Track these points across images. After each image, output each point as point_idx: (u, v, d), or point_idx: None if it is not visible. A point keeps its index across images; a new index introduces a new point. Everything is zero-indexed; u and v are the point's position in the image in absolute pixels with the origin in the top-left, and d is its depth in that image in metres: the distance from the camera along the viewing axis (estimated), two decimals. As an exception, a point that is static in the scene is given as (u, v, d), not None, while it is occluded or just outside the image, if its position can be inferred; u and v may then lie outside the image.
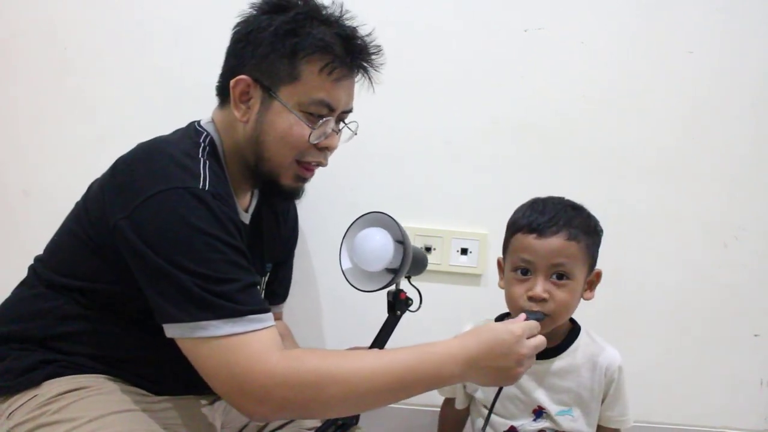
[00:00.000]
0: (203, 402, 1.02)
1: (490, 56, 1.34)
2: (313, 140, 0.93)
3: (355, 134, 1.05)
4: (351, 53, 0.94)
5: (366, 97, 1.35)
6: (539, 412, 1.07)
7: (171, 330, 0.80)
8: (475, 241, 1.37)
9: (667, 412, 1.41)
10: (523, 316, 0.95)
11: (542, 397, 1.07)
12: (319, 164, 1.00)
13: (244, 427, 1.07)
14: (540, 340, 0.89)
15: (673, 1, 1.33)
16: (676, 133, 1.36)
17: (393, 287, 1.08)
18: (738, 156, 1.36)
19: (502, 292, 1.11)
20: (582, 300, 1.05)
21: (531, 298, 1.00)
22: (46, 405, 0.84)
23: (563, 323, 1.07)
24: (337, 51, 0.92)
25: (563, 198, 1.08)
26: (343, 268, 1.07)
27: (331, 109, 0.94)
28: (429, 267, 1.36)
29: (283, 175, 0.96)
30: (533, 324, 0.91)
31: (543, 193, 1.34)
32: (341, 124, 1.00)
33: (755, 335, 1.40)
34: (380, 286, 1.05)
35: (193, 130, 0.96)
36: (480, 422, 1.12)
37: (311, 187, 1.29)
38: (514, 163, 1.37)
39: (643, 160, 1.36)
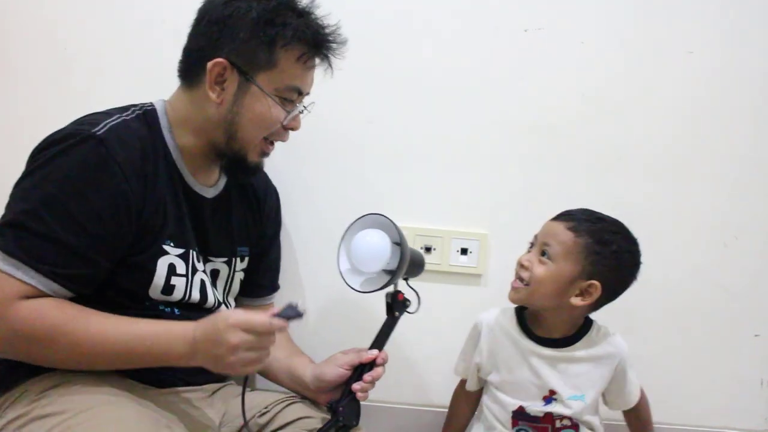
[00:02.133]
0: (200, 395, 1.02)
1: (490, 56, 1.34)
2: (285, 122, 1.00)
3: (309, 112, 1.08)
4: (320, 44, 1.00)
5: (366, 98, 1.35)
6: (549, 399, 1.12)
7: None
8: (475, 241, 1.37)
9: (667, 412, 1.40)
10: (274, 311, 0.86)
11: (556, 382, 1.11)
12: (282, 141, 1.06)
13: (243, 426, 1.06)
14: (252, 338, 0.83)
15: (673, 1, 1.33)
16: (676, 133, 1.36)
17: (391, 288, 1.08)
18: (738, 156, 1.36)
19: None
20: (573, 302, 1.09)
21: (518, 262, 1.13)
22: (37, 400, 0.84)
23: (576, 319, 1.14)
24: (310, 41, 0.98)
25: (612, 218, 1.14)
26: (341, 269, 1.07)
27: (300, 94, 1.02)
28: (429, 267, 1.36)
29: (250, 152, 1.01)
30: (261, 320, 0.84)
31: (542, 193, 1.36)
32: (302, 106, 1.06)
33: (755, 335, 1.40)
34: (378, 287, 1.05)
35: (133, 104, 1.00)
36: (491, 405, 1.17)
37: (311, 187, 1.30)
38: (514, 163, 1.37)
39: (643, 160, 1.36)
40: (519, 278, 1.12)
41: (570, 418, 1.12)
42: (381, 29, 1.35)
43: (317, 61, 1.01)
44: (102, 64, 1.35)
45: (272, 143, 1.05)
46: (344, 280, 1.06)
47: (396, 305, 1.10)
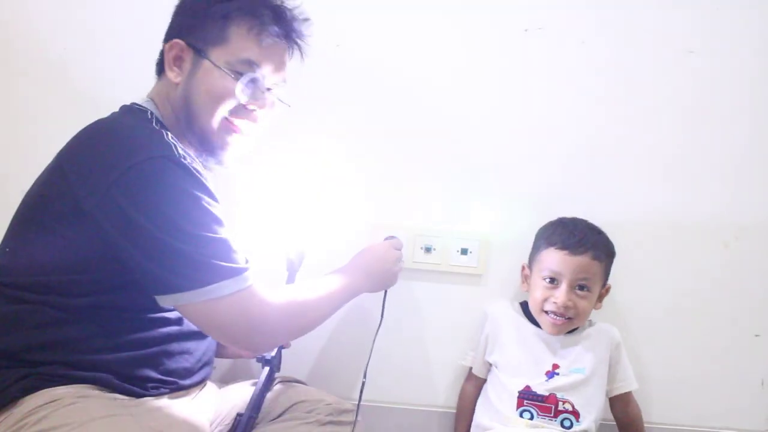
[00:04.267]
0: (186, 400, 1.02)
1: (490, 56, 1.34)
2: (239, 94, 0.97)
3: (289, 106, 1.09)
4: (279, 22, 0.99)
5: (366, 98, 1.35)
6: (552, 373, 1.21)
7: (174, 299, 0.85)
8: (475, 241, 1.37)
9: (668, 412, 1.41)
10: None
11: (557, 358, 1.23)
12: (249, 128, 1.02)
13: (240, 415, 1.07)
14: (398, 241, 1.28)
15: (673, 1, 1.33)
16: (676, 133, 1.36)
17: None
18: (738, 156, 1.36)
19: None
20: (595, 307, 1.25)
21: (556, 305, 1.20)
22: (26, 418, 0.82)
23: None
24: (266, 18, 0.98)
25: (585, 220, 1.27)
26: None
27: (256, 67, 0.98)
28: (429, 267, 1.37)
29: (212, 132, 0.99)
30: (394, 241, 1.27)
31: (542, 193, 1.35)
32: (272, 93, 1.03)
33: (756, 335, 1.40)
34: None
35: (135, 109, 0.99)
36: (495, 389, 1.25)
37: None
38: (515, 163, 1.37)
39: (643, 159, 1.36)
40: (560, 315, 1.21)
41: (572, 404, 1.19)
42: (381, 29, 1.35)
43: (274, 38, 0.99)
44: (102, 64, 1.35)
45: (237, 128, 1.00)
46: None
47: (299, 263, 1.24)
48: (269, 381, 1.10)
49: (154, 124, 0.95)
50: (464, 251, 1.37)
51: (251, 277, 0.89)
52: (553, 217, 1.30)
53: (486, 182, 1.37)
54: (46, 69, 1.35)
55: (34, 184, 0.96)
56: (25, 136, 1.37)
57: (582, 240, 1.21)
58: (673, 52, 1.34)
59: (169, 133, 0.91)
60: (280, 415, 1.09)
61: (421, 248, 1.37)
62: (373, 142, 1.37)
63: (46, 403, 0.83)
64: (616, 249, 1.26)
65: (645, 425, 1.39)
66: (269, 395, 1.10)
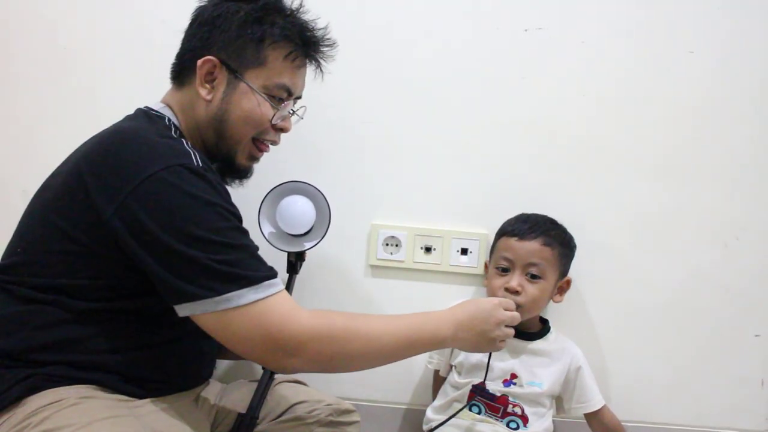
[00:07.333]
0: (189, 398, 1.02)
1: (490, 56, 1.34)
2: (275, 121, 1.00)
3: (301, 118, 1.11)
4: (307, 44, 1.02)
5: (366, 98, 1.36)
6: (509, 382, 1.21)
7: (190, 308, 0.83)
8: (475, 241, 1.37)
9: (667, 412, 1.40)
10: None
11: (518, 368, 1.22)
12: (273, 143, 1.06)
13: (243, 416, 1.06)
14: (515, 314, 1.03)
15: (673, 1, 1.33)
16: (676, 133, 1.36)
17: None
18: (738, 156, 1.36)
19: None
20: (552, 302, 1.26)
21: (507, 290, 1.19)
22: (29, 418, 0.81)
23: (534, 318, 1.27)
24: (298, 40, 1.00)
25: (545, 215, 1.28)
26: (265, 233, 1.17)
27: (289, 94, 1.02)
28: (429, 267, 1.37)
29: (239, 153, 1.02)
30: (509, 300, 1.06)
31: (542, 193, 1.35)
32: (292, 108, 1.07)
33: (756, 335, 1.40)
34: (311, 245, 1.18)
35: (153, 115, 0.98)
36: (453, 382, 1.26)
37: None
38: (514, 163, 1.37)
39: (644, 160, 1.36)
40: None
41: (522, 408, 1.20)
42: (381, 29, 1.35)
43: (306, 61, 1.03)
44: (102, 64, 1.35)
45: (263, 146, 1.04)
46: (271, 243, 1.17)
47: (300, 263, 1.23)
48: (270, 381, 1.10)
49: (173, 132, 0.95)
50: (464, 251, 1.37)
51: (275, 286, 0.85)
52: (554, 217, 1.30)
53: (486, 182, 1.37)
54: (46, 69, 1.35)
55: (47, 185, 0.95)
56: (25, 136, 1.37)
57: (533, 227, 1.22)
58: (673, 52, 1.34)
59: (189, 142, 0.91)
60: (280, 416, 1.09)
61: (421, 248, 1.37)
62: (372, 142, 1.37)
63: (50, 404, 0.83)
64: (617, 249, 1.26)
65: (645, 425, 1.40)
66: (270, 395, 1.10)
